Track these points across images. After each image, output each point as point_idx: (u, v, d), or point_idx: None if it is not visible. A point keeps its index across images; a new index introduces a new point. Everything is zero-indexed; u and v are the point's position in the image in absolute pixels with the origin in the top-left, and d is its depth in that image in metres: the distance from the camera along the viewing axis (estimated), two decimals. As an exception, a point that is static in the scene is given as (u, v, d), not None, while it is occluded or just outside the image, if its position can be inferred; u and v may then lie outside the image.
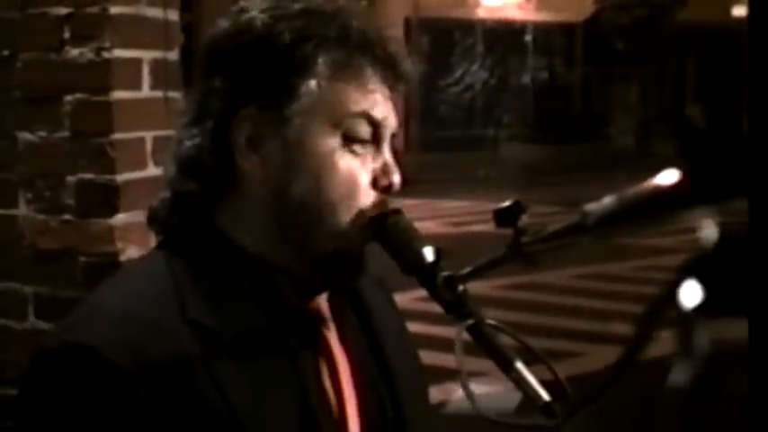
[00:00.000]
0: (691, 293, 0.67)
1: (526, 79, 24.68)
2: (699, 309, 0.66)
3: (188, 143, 1.24)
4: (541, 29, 24.62)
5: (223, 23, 1.26)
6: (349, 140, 1.22)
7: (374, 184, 1.24)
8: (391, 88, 1.26)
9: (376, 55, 1.23)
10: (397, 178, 1.25)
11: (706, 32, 24.75)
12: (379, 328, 1.34)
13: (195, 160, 1.23)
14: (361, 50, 1.23)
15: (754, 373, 0.63)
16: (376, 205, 1.23)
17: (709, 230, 0.67)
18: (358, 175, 1.22)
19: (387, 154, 1.26)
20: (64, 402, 1.15)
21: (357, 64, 1.22)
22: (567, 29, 25.11)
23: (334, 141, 1.21)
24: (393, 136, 1.27)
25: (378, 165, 1.24)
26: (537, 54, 24.87)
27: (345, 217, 1.22)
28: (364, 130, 1.23)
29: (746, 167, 0.64)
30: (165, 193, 1.27)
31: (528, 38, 24.58)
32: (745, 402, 0.64)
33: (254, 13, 1.23)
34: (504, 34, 23.73)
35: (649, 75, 24.62)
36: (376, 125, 1.24)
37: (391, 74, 1.25)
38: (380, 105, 1.24)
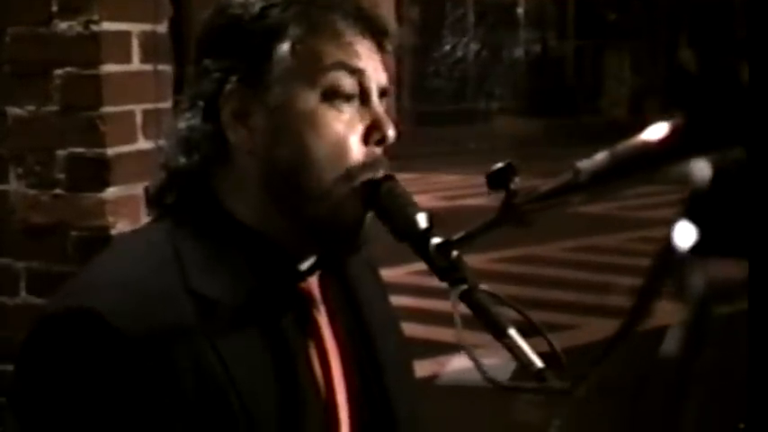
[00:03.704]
0: (685, 234, 0.65)
1: (518, 52, 24.60)
2: (693, 250, 0.65)
3: (182, 125, 1.25)
4: (534, 1, 24.53)
5: (208, 12, 1.27)
6: (331, 96, 1.21)
7: (366, 139, 1.22)
8: (375, 42, 1.25)
9: (347, 10, 1.23)
10: (390, 131, 1.23)
11: (698, 4, 24.69)
12: (365, 308, 1.33)
13: (189, 140, 1.24)
14: (331, 8, 1.23)
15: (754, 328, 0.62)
16: (366, 165, 1.22)
17: (701, 169, 0.66)
18: (343, 132, 1.21)
19: (377, 107, 1.24)
20: (67, 367, 1.14)
21: (329, 21, 1.22)
22: (559, 1, 25.03)
23: (314, 99, 1.20)
24: (384, 92, 1.25)
25: (368, 120, 1.23)
26: (529, 26, 24.78)
27: (334, 177, 1.20)
28: (346, 83, 1.21)
29: (744, 116, 0.63)
30: (161, 174, 1.27)
31: (520, 10, 24.49)
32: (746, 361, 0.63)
33: None
34: (495, 6, 23.64)
35: (642, 47, 24.57)
36: (358, 76, 1.22)
37: (366, 25, 1.24)
38: (362, 58, 1.23)
